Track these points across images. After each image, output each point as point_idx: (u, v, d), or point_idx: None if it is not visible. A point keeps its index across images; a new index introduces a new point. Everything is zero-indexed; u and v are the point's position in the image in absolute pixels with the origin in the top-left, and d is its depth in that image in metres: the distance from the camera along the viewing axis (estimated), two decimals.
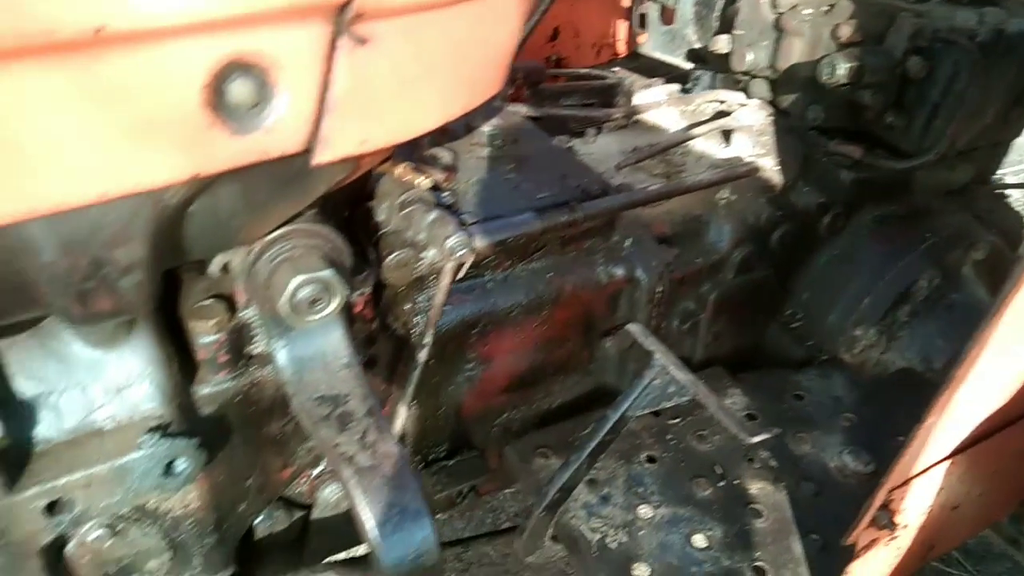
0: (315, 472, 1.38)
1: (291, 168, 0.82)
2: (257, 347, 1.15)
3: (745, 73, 1.83)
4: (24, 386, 0.98)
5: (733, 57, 1.80)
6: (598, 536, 1.44)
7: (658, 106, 1.81)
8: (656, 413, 1.64)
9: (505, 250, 1.38)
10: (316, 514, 1.41)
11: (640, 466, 1.56)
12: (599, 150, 1.68)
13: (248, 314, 1.11)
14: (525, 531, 1.42)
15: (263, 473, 1.26)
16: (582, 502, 1.49)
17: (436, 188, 1.28)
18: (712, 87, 2.14)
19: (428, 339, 1.33)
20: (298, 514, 1.43)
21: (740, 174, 1.53)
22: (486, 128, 1.53)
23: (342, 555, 1.54)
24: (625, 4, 2.26)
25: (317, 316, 0.99)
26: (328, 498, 1.39)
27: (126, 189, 0.70)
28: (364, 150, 0.82)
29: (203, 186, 0.78)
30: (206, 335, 1.06)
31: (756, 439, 1.24)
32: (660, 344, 1.31)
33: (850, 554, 1.25)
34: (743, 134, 1.71)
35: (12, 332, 0.97)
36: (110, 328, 0.99)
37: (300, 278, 0.95)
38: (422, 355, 1.34)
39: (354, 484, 1.00)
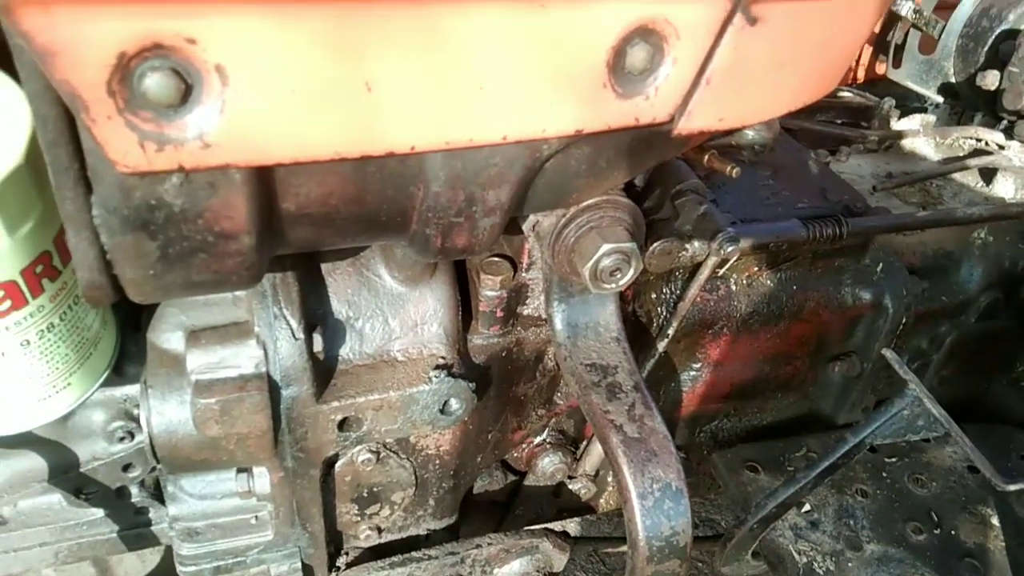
0: (536, 440, 1.43)
1: (637, 137, 0.86)
2: (527, 309, 1.20)
3: (1014, 113, 1.74)
4: (337, 308, 1.06)
5: (1006, 95, 1.71)
6: (805, 560, 1.41)
7: (915, 134, 1.74)
8: (873, 449, 1.59)
9: (758, 255, 1.38)
10: (529, 481, 1.46)
11: (852, 498, 1.52)
12: (851, 170, 1.64)
13: (527, 276, 1.16)
14: (731, 541, 1.41)
15: (501, 431, 1.31)
16: (790, 523, 1.46)
17: (707, 182, 1.29)
18: (948, 123, 2.05)
19: (671, 330, 1.34)
20: (512, 478, 1.48)
21: (1012, 215, 1.45)
22: (747, 132, 1.53)
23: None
24: (875, 29, 2.19)
25: (613, 285, 1.02)
26: (545, 468, 1.42)
27: (522, 135, 0.75)
28: (719, 127, 0.84)
29: (568, 144, 0.82)
30: (492, 289, 1.12)
31: (1013, 487, 1.17)
32: (913, 375, 1.26)
33: None
34: (1008, 175, 1.63)
35: (337, 257, 1.06)
36: (420, 267, 1.06)
37: (607, 246, 0.98)
38: (661, 345, 1.36)
39: (621, 453, 1.03)
